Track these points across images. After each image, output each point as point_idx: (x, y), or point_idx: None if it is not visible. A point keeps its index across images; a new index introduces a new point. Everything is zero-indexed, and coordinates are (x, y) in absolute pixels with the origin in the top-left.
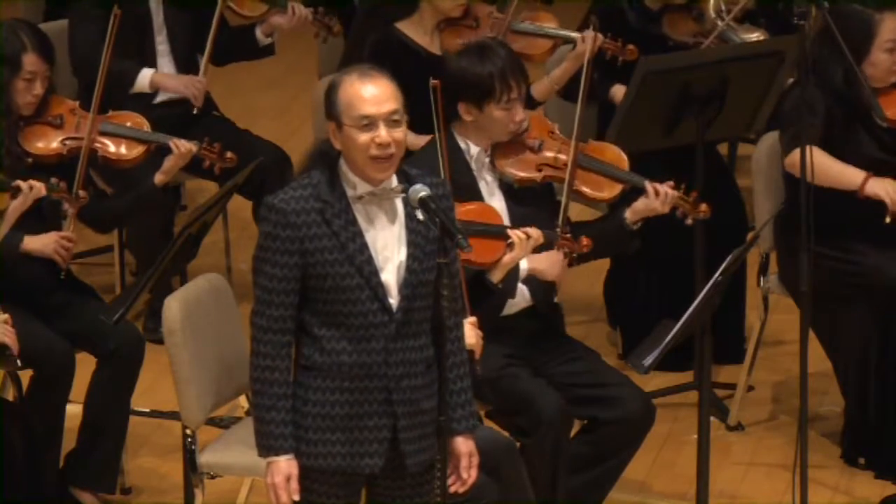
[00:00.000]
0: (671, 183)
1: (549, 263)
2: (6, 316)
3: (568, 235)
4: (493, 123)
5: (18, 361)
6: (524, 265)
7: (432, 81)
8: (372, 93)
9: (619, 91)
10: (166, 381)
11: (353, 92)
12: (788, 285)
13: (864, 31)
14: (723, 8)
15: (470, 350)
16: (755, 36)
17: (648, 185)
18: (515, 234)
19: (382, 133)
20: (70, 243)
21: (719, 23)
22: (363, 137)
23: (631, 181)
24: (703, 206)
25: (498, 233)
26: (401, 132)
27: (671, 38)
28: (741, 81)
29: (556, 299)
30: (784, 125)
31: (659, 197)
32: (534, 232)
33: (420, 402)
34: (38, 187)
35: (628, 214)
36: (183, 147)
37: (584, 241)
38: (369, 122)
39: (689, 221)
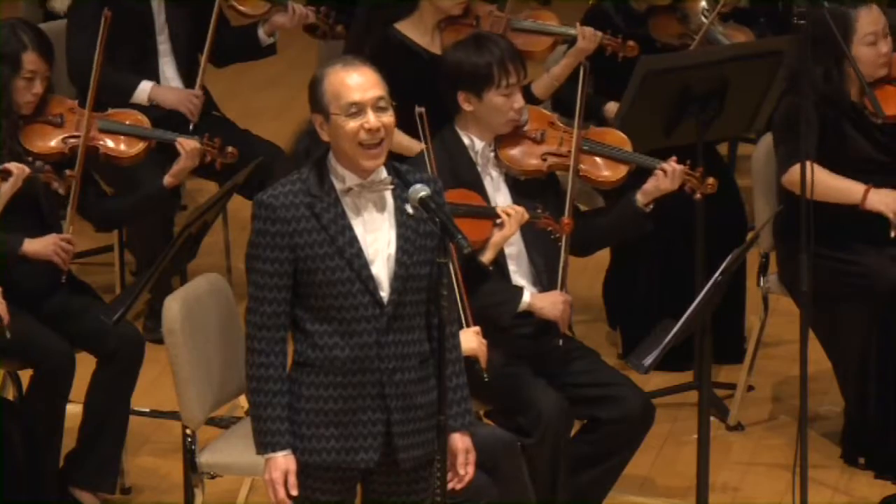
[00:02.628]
0: (674, 158)
1: (550, 302)
2: None
3: (549, 216)
4: (494, 112)
5: (8, 333)
6: (526, 298)
7: (417, 109)
8: (357, 80)
9: (612, 108)
10: (166, 381)
11: (339, 81)
12: (788, 285)
13: (842, 29)
14: (706, 7)
15: (474, 356)
16: (740, 34)
17: (657, 166)
18: (501, 211)
19: (371, 118)
20: (70, 245)
21: (704, 21)
22: (352, 125)
23: (636, 161)
24: (710, 180)
25: (484, 213)
26: (389, 117)
27: (658, 40)
28: (741, 81)
29: (560, 342)
30: (777, 139)
31: (668, 175)
32: (517, 209)
33: (414, 397)
34: (23, 167)
35: (639, 197)
36: (188, 145)
37: (565, 220)
38: (357, 110)
39: (697, 196)
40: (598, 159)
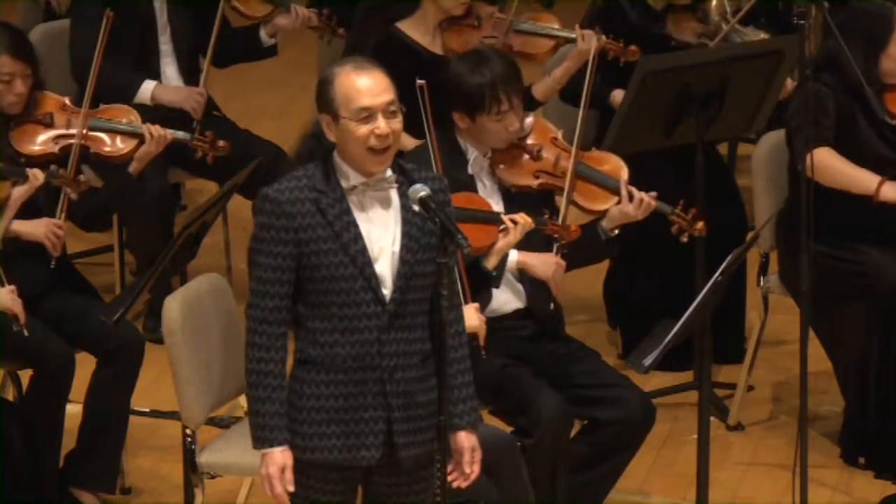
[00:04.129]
0: (654, 194)
1: (541, 261)
2: (12, 287)
3: (556, 221)
4: (487, 133)
5: (25, 331)
6: (514, 256)
7: (418, 81)
8: (368, 85)
9: (619, 96)
10: (166, 381)
11: (350, 84)
12: (789, 285)
13: (882, 24)
14: (727, 9)
15: (473, 334)
16: (760, 38)
17: (623, 188)
18: (507, 219)
19: (381, 124)
20: (61, 231)
21: (724, 25)
22: (362, 129)
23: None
24: (700, 225)
25: (489, 218)
26: (398, 123)
27: (674, 38)
28: (741, 81)
29: (552, 306)
30: (792, 126)
31: (633, 201)
32: (523, 218)
33: (415, 395)
34: (39, 175)
35: (605, 223)
36: (154, 132)
37: (573, 227)
38: (368, 115)
39: (684, 238)
40: (588, 186)
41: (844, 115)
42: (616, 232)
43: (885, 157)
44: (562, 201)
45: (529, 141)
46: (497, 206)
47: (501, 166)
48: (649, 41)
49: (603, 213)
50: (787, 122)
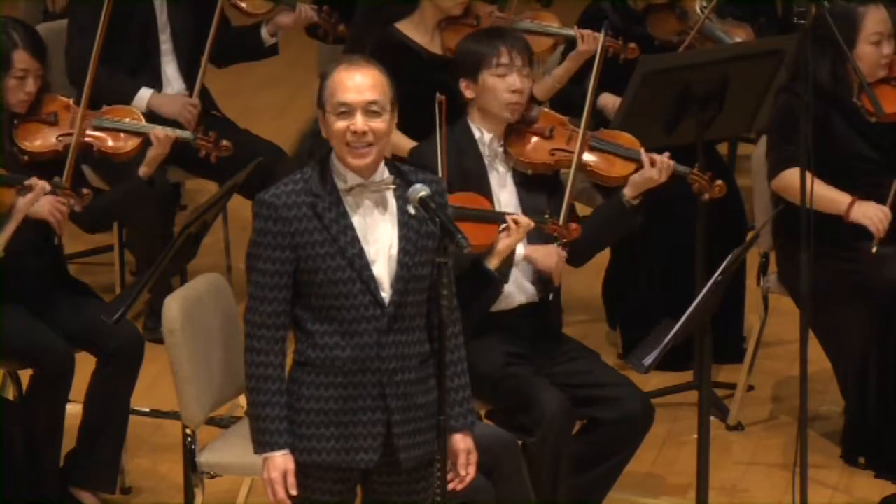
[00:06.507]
0: (667, 154)
1: (545, 253)
2: (61, 199)
3: (557, 221)
4: (490, 94)
5: (56, 239)
6: (520, 250)
7: (439, 97)
8: (355, 82)
9: (607, 99)
10: (166, 381)
11: (339, 79)
12: (788, 285)
13: (848, 26)
14: (705, 4)
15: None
16: (738, 30)
17: (644, 155)
18: (510, 219)
19: (358, 121)
20: (65, 207)
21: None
22: (339, 124)
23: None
24: (719, 182)
25: (489, 217)
26: (380, 122)
27: (656, 37)
28: (741, 81)
29: (551, 296)
30: (770, 145)
31: (655, 165)
32: (522, 219)
33: (414, 397)
34: (44, 185)
35: (627, 190)
36: (160, 134)
37: (573, 226)
38: (347, 110)
39: (705, 197)
40: (606, 156)
41: (819, 121)
42: (638, 200)
43: (866, 156)
44: (570, 176)
45: (539, 126)
46: (510, 195)
47: (517, 147)
48: (633, 43)
49: (623, 180)
50: (767, 134)
